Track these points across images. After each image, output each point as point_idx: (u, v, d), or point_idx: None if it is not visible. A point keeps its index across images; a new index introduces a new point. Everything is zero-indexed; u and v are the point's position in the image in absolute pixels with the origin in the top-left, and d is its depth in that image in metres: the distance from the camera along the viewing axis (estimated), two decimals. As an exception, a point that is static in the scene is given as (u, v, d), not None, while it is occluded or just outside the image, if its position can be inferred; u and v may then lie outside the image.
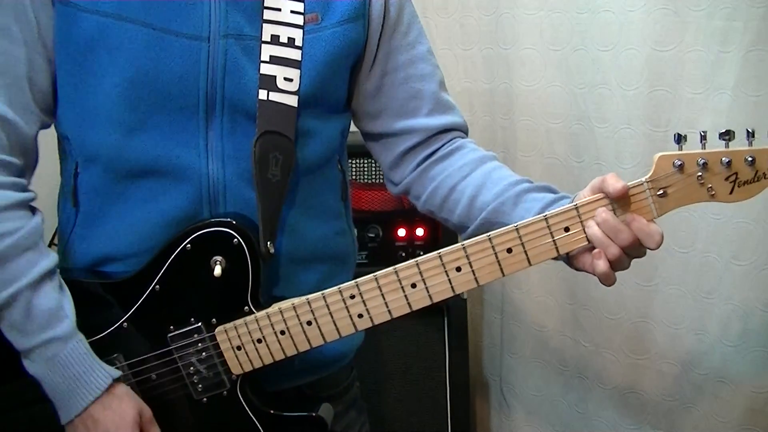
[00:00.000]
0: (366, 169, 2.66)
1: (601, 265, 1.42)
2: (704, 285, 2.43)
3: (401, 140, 1.70)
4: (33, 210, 1.52)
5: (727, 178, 1.39)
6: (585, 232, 1.43)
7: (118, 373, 1.49)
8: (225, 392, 1.55)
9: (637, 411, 2.65)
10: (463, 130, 1.75)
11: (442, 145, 1.70)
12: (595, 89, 2.55)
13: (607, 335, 2.67)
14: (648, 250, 1.45)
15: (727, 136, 1.37)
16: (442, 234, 2.64)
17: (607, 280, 1.44)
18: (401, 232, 2.68)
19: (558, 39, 2.63)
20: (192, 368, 1.54)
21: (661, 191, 1.41)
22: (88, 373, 1.45)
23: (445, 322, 2.69)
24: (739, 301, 2.36)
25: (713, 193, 1.40)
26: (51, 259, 1.48)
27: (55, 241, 1.69)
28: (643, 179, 1.41)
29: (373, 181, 2.67)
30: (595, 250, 1.43)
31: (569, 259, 1.51)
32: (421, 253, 2.59)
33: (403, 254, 2.69)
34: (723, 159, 1.37)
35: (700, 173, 1.39)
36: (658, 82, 2.40)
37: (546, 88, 2.69)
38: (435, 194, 1.68)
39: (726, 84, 2.26)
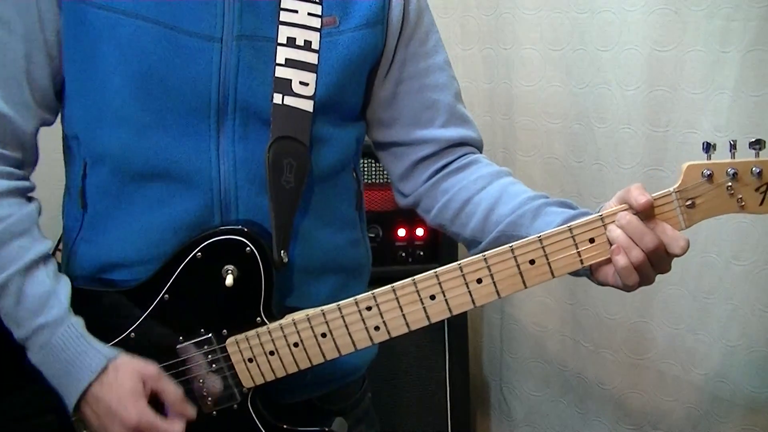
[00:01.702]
0: (366, 169, 2.60)
1: (621, 260, 1.32)
2: (704, 285, 2.38)
3: (414, 150, 1.62)
4: (28, 198, 1.47)
5: (757, 189, 1.31)
6: (607, 237, 1.34)
7: (114, 352, 1.41)
8: (235, 406, 1.47)
9: (637, 411, 2.62)
10: (477, 145, 1.67)
11: (456, 159, 1.62)
12: (595, 89, 2.51)
13: (607, 335, 2.63)
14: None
15: (758, 145, 1.29)
16: (442, 234, 2.56)
17: (629, 279, 1.34)
18: (401, 232, 2.62)
19: (558, 39, 2.58)
20: (202, 380, 1.46)
21: (689, 202, 1.32)
22: (82, 356, 1.38)
23: (445, 322, 2.63)
24: (739, 301, 2.32)
25: (743, 204, 1.32)
26: (45, 244, 1.43)
27: (60, 247, 1.60)
28: (671, 189, 1.33)
29: (374, 181, 2.60)
30: (614, 246, 1.33)
31: (591, 273, 1.42)
32: (421, 253, 2.60)
33: (403, 254, 2.63)
34: (754, 169, 1.29)
35: (729, 183, 1.31)
36: (658, 82, 2.36)
37: (546, 88, 2.64)
38: (447, 207, 1.60)
39: (726, 84, 2.22)
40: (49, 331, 1.38)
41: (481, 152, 1.68)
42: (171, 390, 1.42)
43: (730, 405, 2.38)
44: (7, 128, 1.43)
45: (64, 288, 1.42)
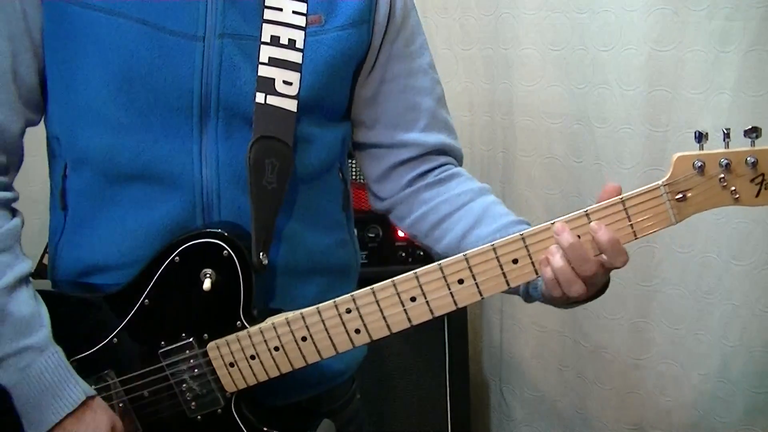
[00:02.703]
0: (366, 169, 2.55)
1: (548, 272, 1.29)
2: (704, 285, 2.37)
3: (393, 153, 1.58)
4: (13, 211, 1.43)
5: (752, 180, 1.22)
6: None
7: (92, 392, 1.38)
8: (219, 410, 1.43)
9: (637, 411, 2.60)
10: (457, 156, 1.63)
11: (436, 168, 1.58)
12: (595, 89, 2.49)
13: (607, 335, 2.61)
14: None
15: (754, 133, 1.21)
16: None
17: (554, 290, 1.31)
18: (401, 232, 2.57)
19: (558, 39, 2.57)
20: (185, 385, 1.42)
21: (680, 195, 1.25)
22: (62, 386, 1.34)
23: (445, 322, 2.62)
24: (739, 301, 2.30)
25: (737, 196, 1.23)
26: (27, 264, 1.39)
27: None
28: (660, 182, 1.26)
29: (373, 181, 2.55)
30: (542, 257, 1.30)
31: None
32: (421, 253, 2.58)
33: (403, 254, 2.62)
34: (748, 159, 1.21)
35: (722, 175, 1.22)
36: (658, 82, 2.34)
37: (546, 88, 2.63)
38: (425, 219, 1.56)
39: (726, 84, 2.21)
40: (32, 355, 1.34)
41: (461, 165, 1.64)
42: None
43: (730, 405, 2.36)
44: None
45: (45, 311, 1.38)
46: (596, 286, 1.32)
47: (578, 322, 2.69)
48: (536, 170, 2.70)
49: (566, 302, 1.36)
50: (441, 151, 1.59)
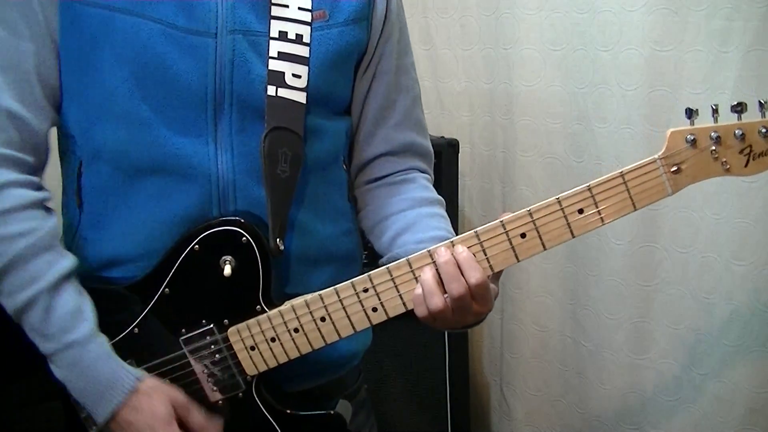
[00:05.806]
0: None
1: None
2: (704, 285, 2.41)
3: (368, 149, 1.69)
4: (48, 210, 1.48)
5: (741, 151, 1.35)
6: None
7: (141, 373, 1.46)
8: (240, 394, 1.51)
9: (637, 411, 2.63)
10: (425, 154, 1.74)
11: (398, 172, 1.70)
12: (595, 89, 2.54)
13: (607, 335, 2.65)
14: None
15: (739, 108, 1.34)
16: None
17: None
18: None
19: (558, 39, 2.62)
20: (206, 371, 1.50)
21: (675, 167, 1.37)
22: (112, 377, 1.42)
23: (446, 322, 2.64)
24: (739, 301, 2.34)
25: (728, 167, 1.36)
26: (70, 260, 1.45)
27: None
28: (656, 156, 1.38)
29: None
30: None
31: None
32: None
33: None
34: (736, 132, 1.34)
35: (713, 147, 1.35)
36: (658, 82, 2.39)
37: (546, 88, 2.68)
38: (368, 217, 1.70)
39: (726, 84, 2.25)
40: (78, 349, 1.41)
41: (430, 164, 1.75)
42: (197, 419, 1.47)
43: (730, 405, 2.39)
44: (24, 131, 1.44)
45: (89, 304, 1.45)
46: (465, 310, 1.43)
47: (579, 321, 2.73)
48: (536, 170, 2.75)
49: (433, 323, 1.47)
50: (409, 150, 1.70)
